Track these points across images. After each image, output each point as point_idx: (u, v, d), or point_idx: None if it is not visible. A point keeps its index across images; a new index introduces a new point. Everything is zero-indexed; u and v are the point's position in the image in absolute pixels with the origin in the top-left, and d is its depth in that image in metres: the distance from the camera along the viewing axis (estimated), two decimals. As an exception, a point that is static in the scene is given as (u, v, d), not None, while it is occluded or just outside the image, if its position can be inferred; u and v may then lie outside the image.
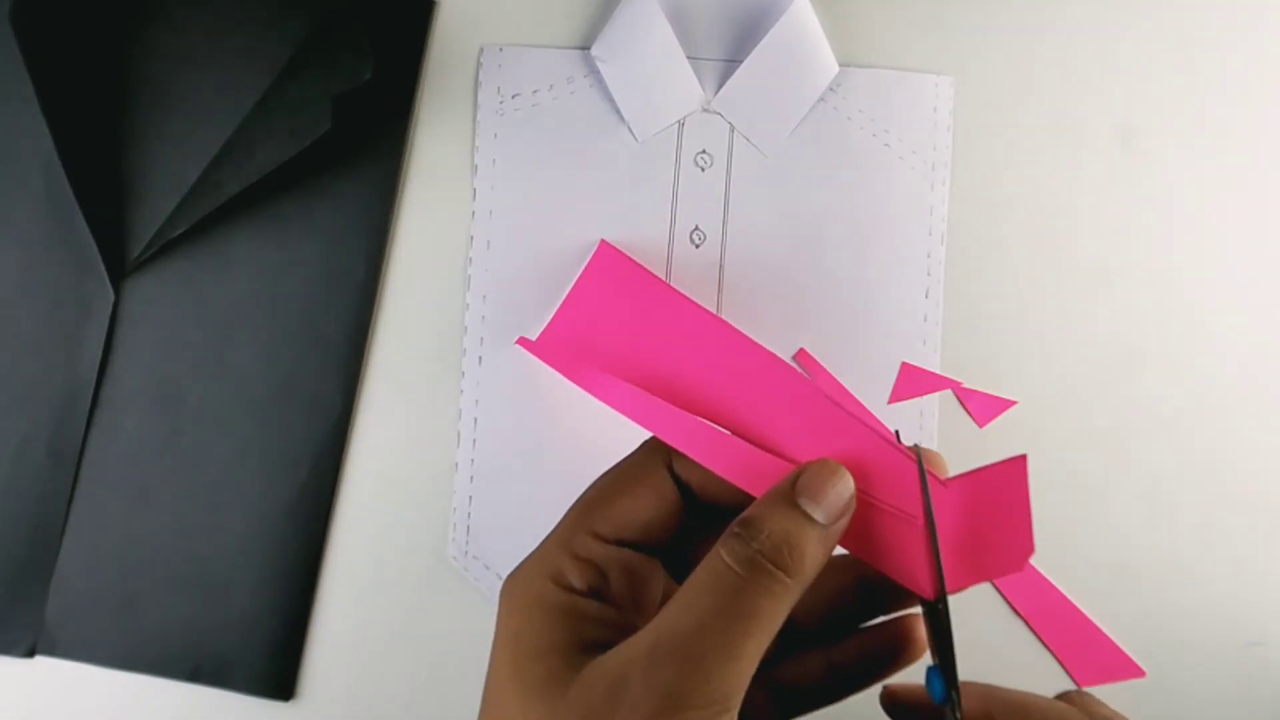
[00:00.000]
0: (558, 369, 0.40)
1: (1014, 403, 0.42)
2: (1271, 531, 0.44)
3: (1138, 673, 0.40)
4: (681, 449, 0.31)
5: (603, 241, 0.43)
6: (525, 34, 0.47)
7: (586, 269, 0.41)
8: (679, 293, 0.38)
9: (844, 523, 0.29)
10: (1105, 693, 0.42)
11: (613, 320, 0.38)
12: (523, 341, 0.42)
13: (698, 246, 0.45)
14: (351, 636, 0.43)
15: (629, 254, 0.44)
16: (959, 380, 0.45)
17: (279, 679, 0.42)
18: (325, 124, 0.42)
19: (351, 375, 0.44)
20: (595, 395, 0.37)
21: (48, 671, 0.42)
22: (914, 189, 0.46)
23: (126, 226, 0.45)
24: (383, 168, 0.45)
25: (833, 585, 0.33)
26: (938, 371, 0.45)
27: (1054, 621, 0.43)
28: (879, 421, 0.44)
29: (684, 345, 0.35)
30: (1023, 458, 0.29)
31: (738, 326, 0.44)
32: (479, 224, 0.45)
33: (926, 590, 0.30)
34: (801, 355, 0.44)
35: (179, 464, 0.43)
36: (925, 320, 0.45)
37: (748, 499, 0.30)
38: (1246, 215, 0.46)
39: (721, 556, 0.28)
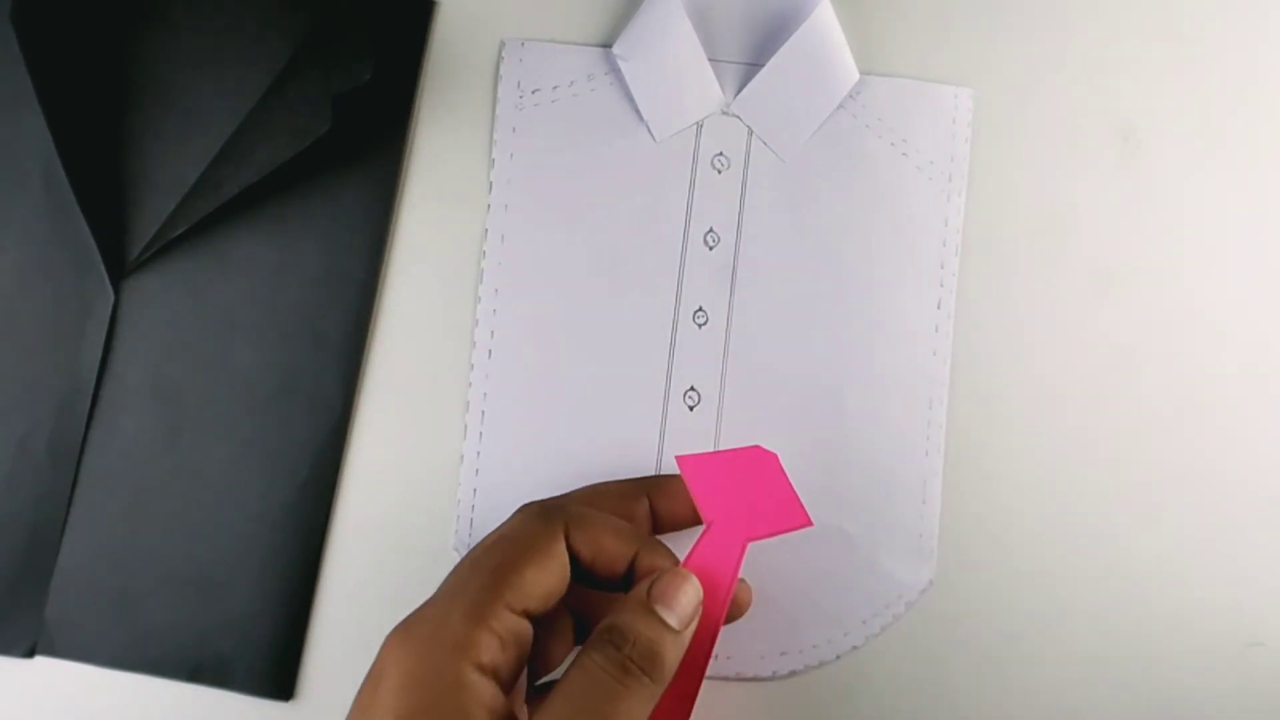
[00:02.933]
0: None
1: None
2: (1271, 532, 0.44)
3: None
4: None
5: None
6: (540, 30, 0.47)
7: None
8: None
9: (694, 626, 0.32)
10: (1107, 694, 0.42)
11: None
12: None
13: (711, 249, 0.45)
14: (351, 636, 0.43)
15: (643, 253, 0.45)
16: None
17: (279, 679, 0.42)
18: (325, 124, 0.42)
19: (351, 375, 0.44)
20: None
21: (48, 671, 0.42)
22: (930, 199, 0.45)
23: (126, 226, 0.45)
24: (383, 168, 0.45)
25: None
26: (945, 378, 0.45)
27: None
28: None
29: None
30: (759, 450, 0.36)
31: (748, 331, 0.44)
32: (494, 217, 0.45)
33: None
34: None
35: (179, 464, 0.43)
36: (936, 331, 0.45)
37: (616, 568, 0.33)
38: (1265, 224, 0.46)
39: (596, 662, 0.29)
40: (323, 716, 0.43)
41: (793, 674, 0.42)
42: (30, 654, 0.42)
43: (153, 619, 0.42)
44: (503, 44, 0.47)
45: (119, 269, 0.44)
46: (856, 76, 0.46)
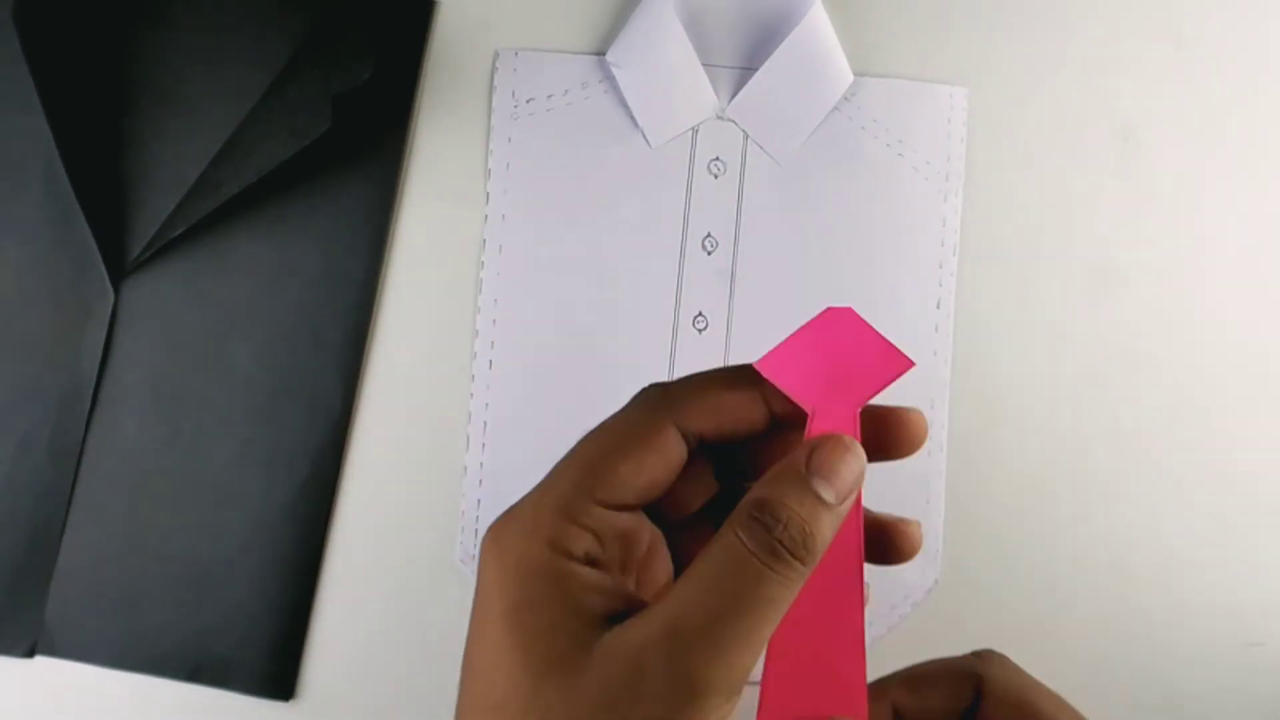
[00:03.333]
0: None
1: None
2: (1271, 532, 0.44)
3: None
4: None
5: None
6: (534, 38, 0.47)
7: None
8: None
9: (852, 500, 0.29)
10: (1109, 693, 0.42)
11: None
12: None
13: (710, 253, 0.45)
14: (351, 636, 0.43)
15: (642, 259, 0.45)
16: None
17: (279, 679, 0.42)
18: (325, 124, 0.42)
19: (351, 375, 0.44)
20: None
21: (48, 671, 0.42)
22: (927, 199, 0.46)
23: (126, 226, 0.45)
24: (383, 168, 0.45)
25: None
26: (946, 378, 0.45)
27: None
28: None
29: None
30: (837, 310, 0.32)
31: (748, 334, 0.44)
32: (491, 228, 0.45)
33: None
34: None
35: (179, 464, 0.43)
36: (936, 331, 0.45)
37: (754, 447, 0.31)
38: (1261, 222, 0.46)
39: (741, 541, 0.27)
40: (323, 716, 0.43)
41: (794, 674, 0.42)
42: (30, 654, 0.42)
43: (153, 619, 0.42)
44: (497, 54, 0.47)
45: (119, 269, 0.44)
46: (850, 78, 0.46)
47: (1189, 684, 0.43)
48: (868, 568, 0.31)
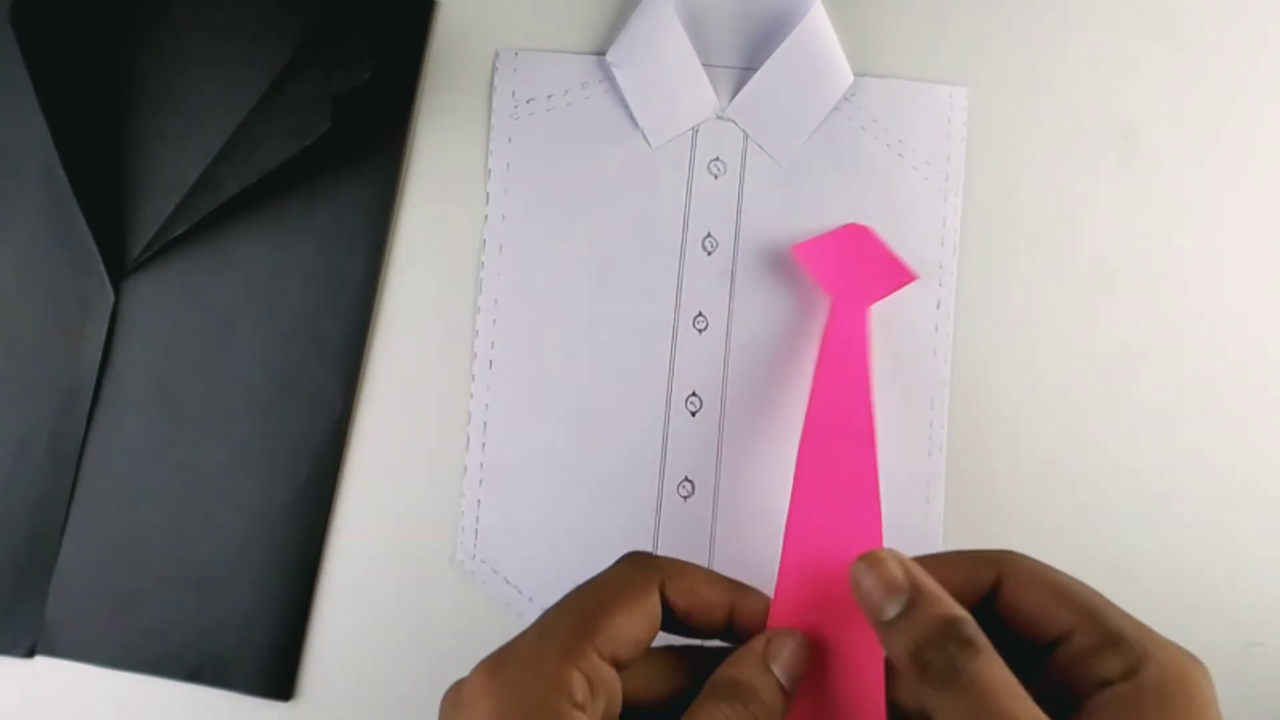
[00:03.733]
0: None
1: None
2: (1271, 532, 0.44)
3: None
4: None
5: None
6: (534, 38, 0.47)
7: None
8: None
9: (798, 682, 0.32)
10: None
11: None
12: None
13: (710, 254, 0.45)
14: (351, 636, 0.43)
15: (642, 259, 0.45)
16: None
17: (279, 679, 0.42)
18: (325, 124, 0.42)
19: (351, 375, 0.44)
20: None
21: (48, 671, 0.42)
22: (927, 199, 0.45)
23: (126, 226, 0.45)
24: (383, 168, 0.45)
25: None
26: (946, 378, 0.45)
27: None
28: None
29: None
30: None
31: (749, 334, 0.44)
32: (491, 228, 0.45)
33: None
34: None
35: (179, 464, 0.43)
36: (936, 331, 0.45)
37: (718, 627, 0.33)
38: (1261, 222, 0.46)
39: (724, 716, 0.30)
40: (323, 716, 0.43)
41: (794, 675, 0.42)
42: (30, 654, 0.42)
43: (153, 619, 0.42)
44: (497, 54, 0.47)
45: (119, 269, 0.44)
46: (851, 78, 0.46)
47: (1189, 684, 0.43)
48: None
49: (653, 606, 0.32)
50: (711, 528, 0.43)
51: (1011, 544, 0.43)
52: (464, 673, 0.43)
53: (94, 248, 0.44)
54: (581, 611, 0.31)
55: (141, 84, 0.45)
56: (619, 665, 0.31)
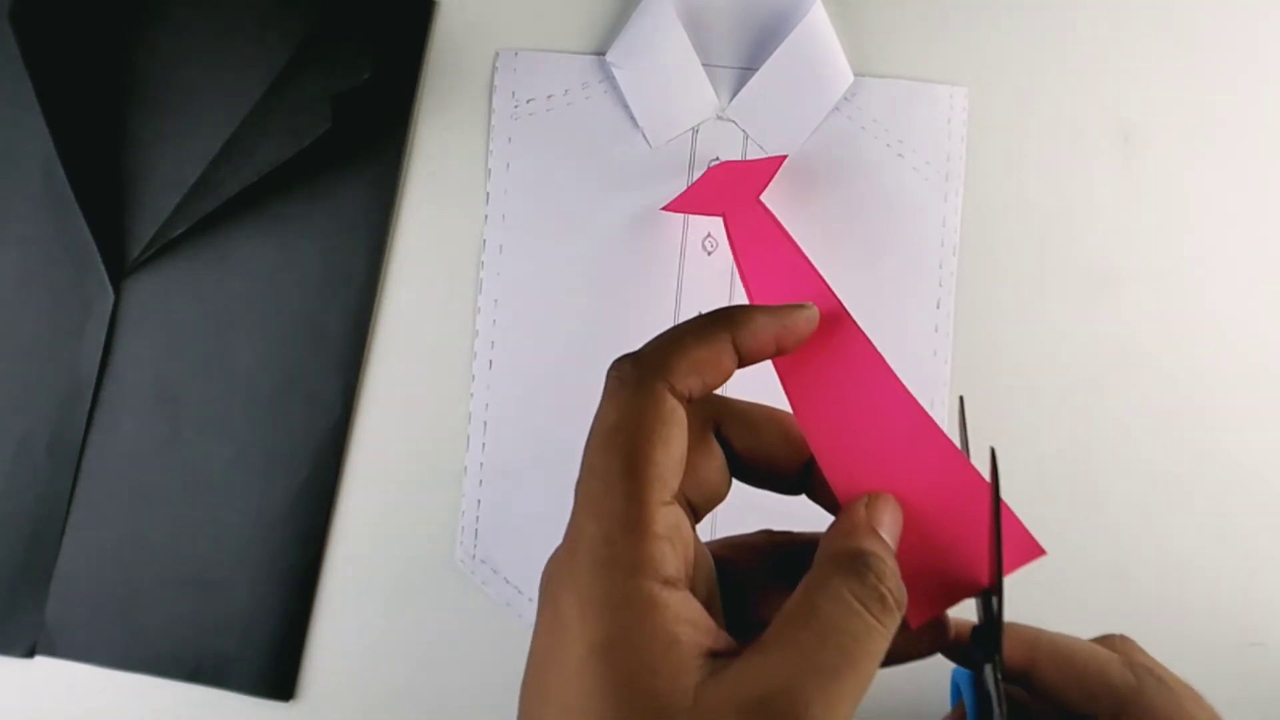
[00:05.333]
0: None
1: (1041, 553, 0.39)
2: (1271, 531, 0.44)
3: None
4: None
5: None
6: (534, 38, 0.47)
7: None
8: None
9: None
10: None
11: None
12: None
13: (710, 254, 0.45)
14: (351, 636, 0.43)
15: (642, 259, 0.45)
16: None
17: (279, 679, 0.42)
18: (325, 124, 0.42)
19: (351, 375, 0.44)
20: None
21: (48, 671, 0.42)
22: (927, 199, 0.46)
23: (126, 226, 0.45)
24: (383, 168, 0.45)
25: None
26: (946, 378, 0.45)
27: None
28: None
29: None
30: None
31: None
32: (491, 228, 0.45)
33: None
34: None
35: (179, 464, 0.43)
36: (936, 331, 0.45)
37: (784, 466, 0.30)
38: (1260, 222, 0.46)
39: (851, 594, 0.26)
40: (323, 716, 0.43)
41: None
42: (30, 654, 0.42)
43: (153, 619, 0.42)
44: (497, 54, 0.47)
45: (119, 269, 0.44)
46: (850, 78, 0.46)
47: (1189, 684, 0.43)
48: None
49: (675, 415, 0.28)
50: (713, 520, 0.43)
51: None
52: (464, 672, 0.43)
53: (94, 248, 0.44)
54: (623, 472, 0.27)
55: (141, 84, 0.45)
56: (679, 496, 0.28)
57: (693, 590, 0.27)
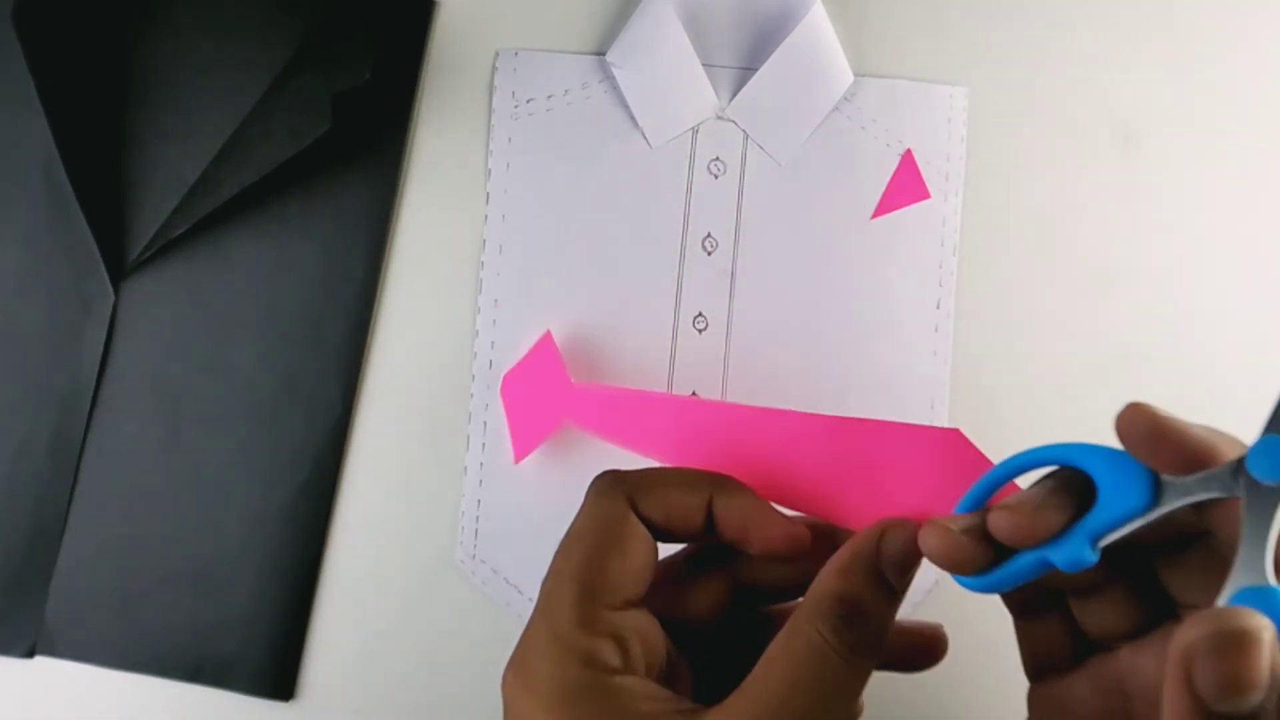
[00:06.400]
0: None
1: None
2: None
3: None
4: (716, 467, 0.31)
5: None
6: (534, 38, 0.47)
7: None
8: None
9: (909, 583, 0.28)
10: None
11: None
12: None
13: (709, 254, 0.45)
14: (351, 636, 0.43)
15: (642, 259, 0.45)
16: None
17: (279, 679, 0.42)
18: (325, 124, 0.42)
19: (351, 375, 0.44)
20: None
21: (48, 671, 0.42)
22: (927, 199, 0.45)
23: (126, 226, 0.45)
24: (383, 168, 0.45)
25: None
26: (946, 378, 0.45)
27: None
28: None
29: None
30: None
31: (748, 335, 0.44)
32: (491, 228, 0.45)
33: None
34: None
35: (179, 464, 0.43)
36: (936, 331, 0.45)
37: (697, 532, 0.31)
38: (1259, 222, 0.46)
39: (825, 639, 0.26)
40: (323, 716, 0.43)
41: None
42: (30, 654, 0.42)
43: (153, 619, 0.42)
44: (497, 54, 0.47)
45: (119, 269, 0.44)
46: (850, 78, 0.46)
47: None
48: None
49: (638, 532, 0.29)
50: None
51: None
52: (463, 672, 0.43)
53: (94, 248, 0.44)
54: (577, 574, 0.29)
55: (141, 84, 0.45)
56: (636, 604, 0.29)
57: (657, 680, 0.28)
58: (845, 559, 0.28)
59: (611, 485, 0.30)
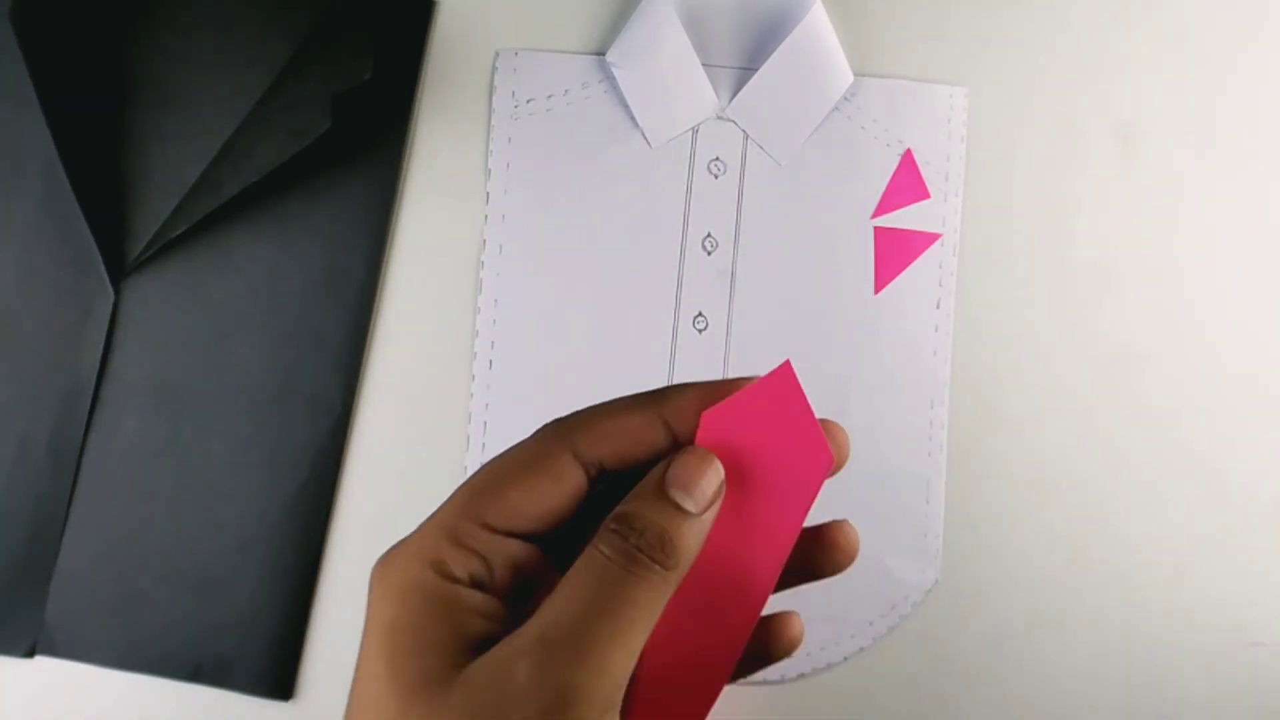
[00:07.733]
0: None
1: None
2: (1271, 532, 0.44)
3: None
4: None
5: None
6: (534, 38, 0.47)
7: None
8: None
9: (715, 509, 0.29)
10: (1109, 693, 0.42)
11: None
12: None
13: (709, 254, 0.45)
14: (351, 636, 0.42)
15: (642, 259, 0.45)
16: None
17: (279, 679, 0.42)
18: (325, 124, 0.42)
19: (351, 375, 0.44)
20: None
21: (48, 671, 0.42)
22: (927, 199, 0.45)
23: (126, 226, 0.45)
24: (383, 168, 0.45)
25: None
26: (946, 378, 0.45)
27: None
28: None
29: None
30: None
31: (748, 334, 0.44)
32: (491, 228, 0.45)
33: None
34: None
35: (179, 464, 0.43)
36: (936, 331, 0.45)
37: (669, 449, 0.30)
38: (1259, 222, 0.46)
39: (602, 552, 0.28)
40: (323, 716, 0.43)
41: (801, 677, 0.42)
42: (30, 654, 0.42)
43: (153, 618, 0.42)
44: (497, 54, 0.47)
45: (119, 269, 0.44)
46: (850, 78, 0.46)
47: (1189, 684, 0.43)
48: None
49: (561, 473, 0.29)
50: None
51: (1011, 543, 0.44)
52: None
53: (94, 248, 0.44)
54: (472, 488, 0.29)
55: (141, 84, 0.45)
56: (526, 536, 0.29)
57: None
58: (636, 487, 0.29)
59: (553, 425, 0.30)
